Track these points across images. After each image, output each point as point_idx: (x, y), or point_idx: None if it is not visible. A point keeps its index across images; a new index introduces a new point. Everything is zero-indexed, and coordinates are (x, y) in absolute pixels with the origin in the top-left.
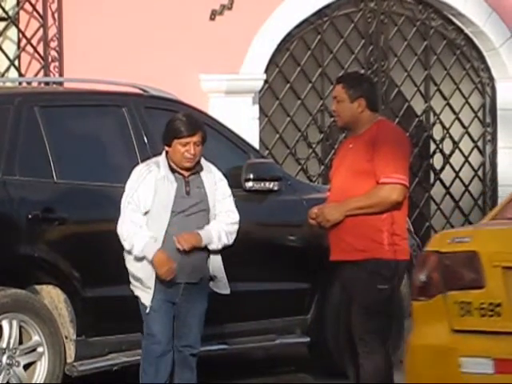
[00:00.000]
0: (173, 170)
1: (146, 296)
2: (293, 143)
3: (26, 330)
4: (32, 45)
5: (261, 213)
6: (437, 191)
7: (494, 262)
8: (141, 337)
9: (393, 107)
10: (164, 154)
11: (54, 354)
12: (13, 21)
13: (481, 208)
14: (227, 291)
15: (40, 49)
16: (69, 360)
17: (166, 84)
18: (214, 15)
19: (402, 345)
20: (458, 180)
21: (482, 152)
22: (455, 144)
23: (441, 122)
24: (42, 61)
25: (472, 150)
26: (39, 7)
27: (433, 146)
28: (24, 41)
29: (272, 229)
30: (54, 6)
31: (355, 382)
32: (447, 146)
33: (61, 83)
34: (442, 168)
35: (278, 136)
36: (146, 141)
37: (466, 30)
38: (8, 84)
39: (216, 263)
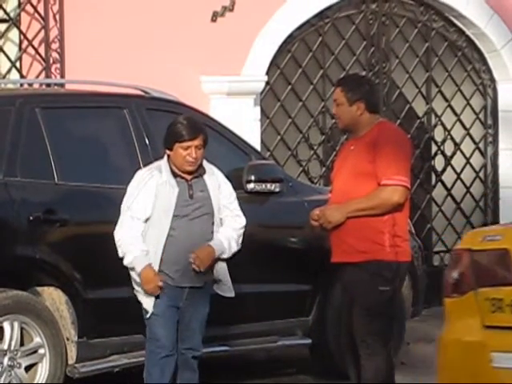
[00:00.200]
0: (175, 175)
1: (147, 301)
2: (294, 145)
3: (28, 332)
4: (33, 46)
5: (262, 214)
6: (438, 193)
7: None
8: (142, 338)
9: (394, 109)
10: (166, 158)
11: (55, 355)
12: (14, 22)
13: (482, 210)
14: (231, 294)
15: (41, 50)
16: (70, 362)
17: (167, 85)
18: (215, 17)
19: (402, 346)
20: (459, 182)
21: (483, 154)
22: (456, 146)
23: (442, 124)
24: (43, 62)
25: (473, 151)
26: (40, 9)
27: (434, 148)
28: (25, 42)
29: (273, 230)
30: (56, 8)
31: (356, 383)
32: (448, 148)
33: (62, 85)
34: (444, 170)
35: (279, 137)
36: (147, 142)
37: (468, 32)
38: (9, 85)
39: (221, 267)
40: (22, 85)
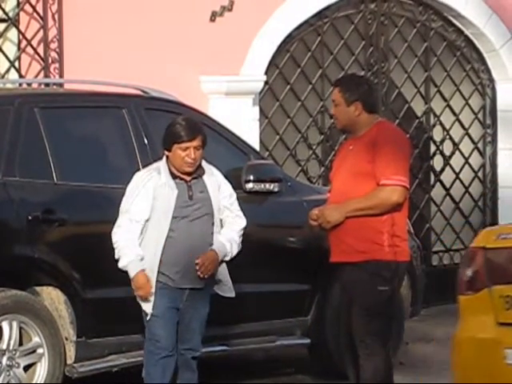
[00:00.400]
0: (174, 176)
1: (146, 303)
2: (293, 144)
3: (26, 332)
4: (32, 46)
5: (261, 214)
6: (437, 192)
7: None
8: (141, 338)
9: (393, 108)
10: (164, 159)
11: (54, 355)
12: (13, 22)
13: (481, 209)
14: (232, 294)
15: (40, 50)
16: (69, 361)
17: (166, 85)
18: (214, 16)
19: (401, 346)
20: (458, 181)
21: (482, 153)
22: (455, 145)
23: (441, 124)
24: (42, 62)
25: (472, 151)
26: (39, 8)
27: (433, 148)
28: (24, 42)
29: (272, 230)
30: (54, 8)
31: (355, 383)
32: (447, 148)
33: (61, 84)
34: (442, 169)
35: (278, 137)
36: (146, 142)
37: (467, 32)
38: (8, 85)
39: (221, 267)
40: (20, 84)
